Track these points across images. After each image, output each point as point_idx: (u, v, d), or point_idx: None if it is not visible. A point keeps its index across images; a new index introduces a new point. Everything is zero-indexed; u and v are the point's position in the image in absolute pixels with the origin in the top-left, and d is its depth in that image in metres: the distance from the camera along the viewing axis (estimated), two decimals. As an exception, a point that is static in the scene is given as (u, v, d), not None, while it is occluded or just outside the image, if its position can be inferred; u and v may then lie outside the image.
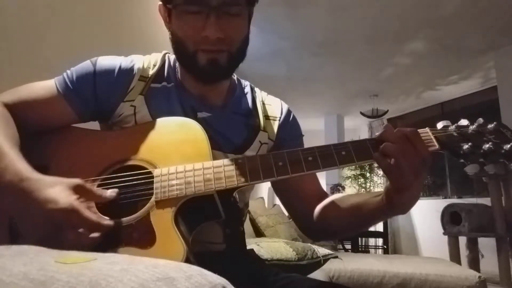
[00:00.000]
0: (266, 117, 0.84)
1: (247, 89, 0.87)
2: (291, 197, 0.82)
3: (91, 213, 0.53)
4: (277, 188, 0.84)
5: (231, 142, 0.76)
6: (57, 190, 0.53)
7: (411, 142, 0.57)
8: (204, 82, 0.76)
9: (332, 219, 0.75)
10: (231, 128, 0.78)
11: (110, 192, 0.59)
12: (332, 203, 0.76)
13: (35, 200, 0.53)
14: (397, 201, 0.61)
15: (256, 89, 0.89)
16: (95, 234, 0.53)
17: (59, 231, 0.52)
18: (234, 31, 0.71)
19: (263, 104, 0.85)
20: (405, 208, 0.62)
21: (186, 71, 0.77)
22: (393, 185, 0.59)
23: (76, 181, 0.56)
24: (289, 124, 0.86)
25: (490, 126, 0.63)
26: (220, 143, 0.73)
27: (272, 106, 0.86)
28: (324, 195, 0.80)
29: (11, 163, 0.56)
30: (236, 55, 0.73)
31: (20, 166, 0.56)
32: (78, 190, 0.55)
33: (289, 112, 0.88)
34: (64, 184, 0.55)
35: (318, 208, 0.78)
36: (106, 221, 0.55)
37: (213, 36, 0.67)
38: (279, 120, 0.84)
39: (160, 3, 0.74)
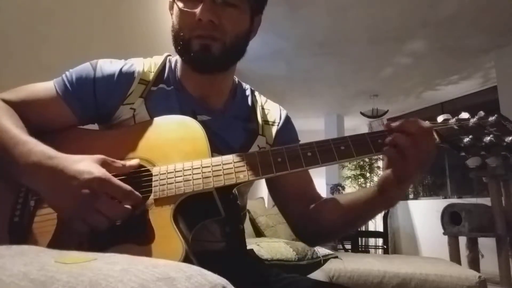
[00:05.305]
0: (265, 122, 0.84)
1: (248, 93, 0.87)
2: (285, 198, 0.82)
3: (122, 183, 0.57)
4: (272, 189, 0.84)
5: (229, 146, 0.76)
6: (87, 163, 0.57)
7: (426, 135, 0.60)
8: (197, 71, 0.75)
9: (327, 216, 0.75)
10: (230, 131, 0.78)
11: (131, 162, 0.63)
12: (327, 202, 0.77)
13: (69, 173, 0.55)
14: (392, 193, 0.63)
15: (256, 93, 0.89)
16: (127, 206, 0.56)
17: (93, 200, 0.54)
18: (229, 20, 0.70)
19: (262, 109, 0.86)
20: (396, 200, 0.66)
21: (182, 62, 0.77)
22: (395, 176, 0.61)
23: (100, 156, 0.60)
24: (288, 130, 0.86)
25: (491, 118, 0.62)
26: (219, 147, 0.73)
27: (271, 111, 0.86)
28: (318, 197, 0.81)
29: (35, 146, 0.59)
30: (230, 48, 0.72)
31: (44, 147, 0.59)
32: (104, 163, 0.59)
33: (287, 117, 0.88)
34: (90, 159, 0.58)
35: (313, 209, 0.78)
36: (136, 192, 0.58)
37: (205, 18, 0.67)
38: (278, 125, 0.85)
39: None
